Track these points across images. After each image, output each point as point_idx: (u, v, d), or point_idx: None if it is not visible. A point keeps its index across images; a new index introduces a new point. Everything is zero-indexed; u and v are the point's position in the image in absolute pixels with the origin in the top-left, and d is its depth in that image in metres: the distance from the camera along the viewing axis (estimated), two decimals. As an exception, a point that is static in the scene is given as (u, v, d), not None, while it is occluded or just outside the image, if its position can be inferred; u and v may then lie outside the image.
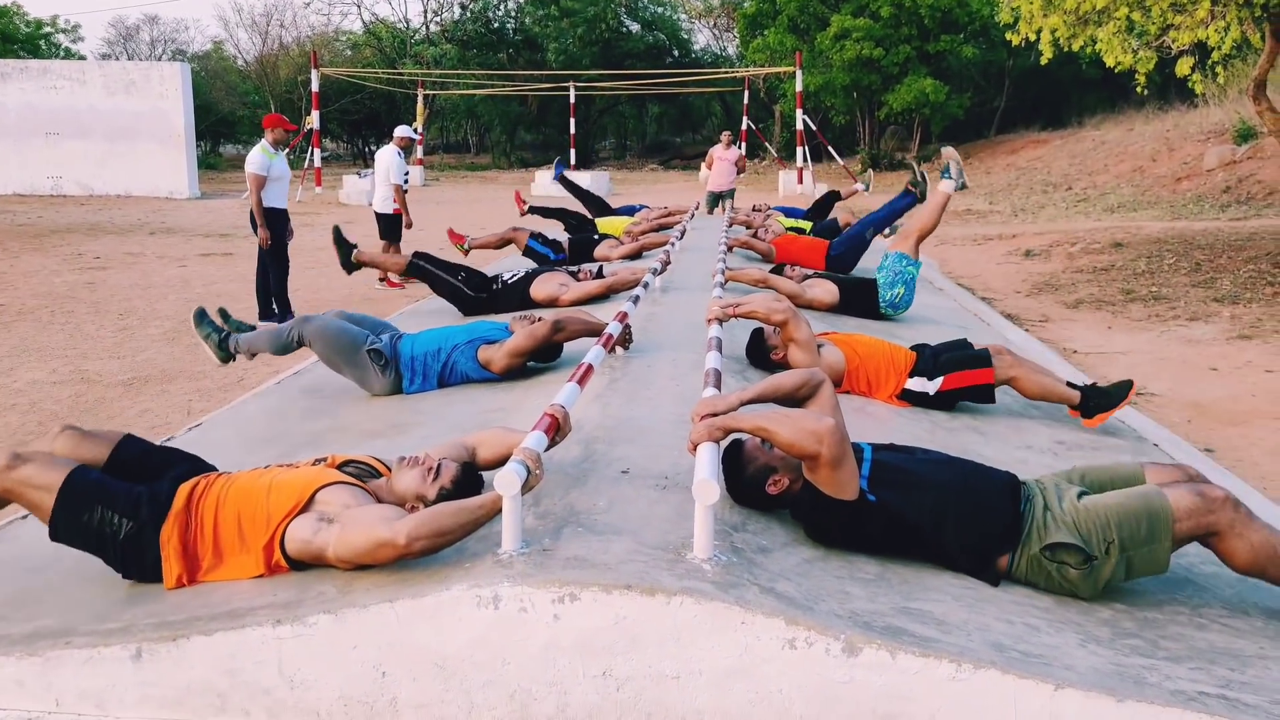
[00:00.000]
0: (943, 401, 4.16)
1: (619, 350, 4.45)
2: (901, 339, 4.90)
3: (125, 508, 2.48)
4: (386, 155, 10.28)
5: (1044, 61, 9.04)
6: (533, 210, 10.99)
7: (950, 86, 25.69)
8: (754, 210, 10.14)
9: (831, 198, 10.90)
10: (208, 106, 41.28)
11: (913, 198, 7.15)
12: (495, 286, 6.37)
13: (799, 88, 22.39)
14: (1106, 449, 4.00)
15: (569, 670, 2.13)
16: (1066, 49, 8.27)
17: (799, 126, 21.55)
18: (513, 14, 41.44)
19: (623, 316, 4.40)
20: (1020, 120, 29.34)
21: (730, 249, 8.22)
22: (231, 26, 66.91)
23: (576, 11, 37.54)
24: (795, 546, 2.51)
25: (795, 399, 2.81)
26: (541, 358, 4.40)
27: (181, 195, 21.47)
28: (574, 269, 6.77)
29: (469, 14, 40.76)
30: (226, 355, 4.57)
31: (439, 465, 2.56)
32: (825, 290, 6.15)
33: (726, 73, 29.85)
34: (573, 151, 29.82)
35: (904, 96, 24.66)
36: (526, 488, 2.32)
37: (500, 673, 2.15)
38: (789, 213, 10.80)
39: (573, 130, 29.67)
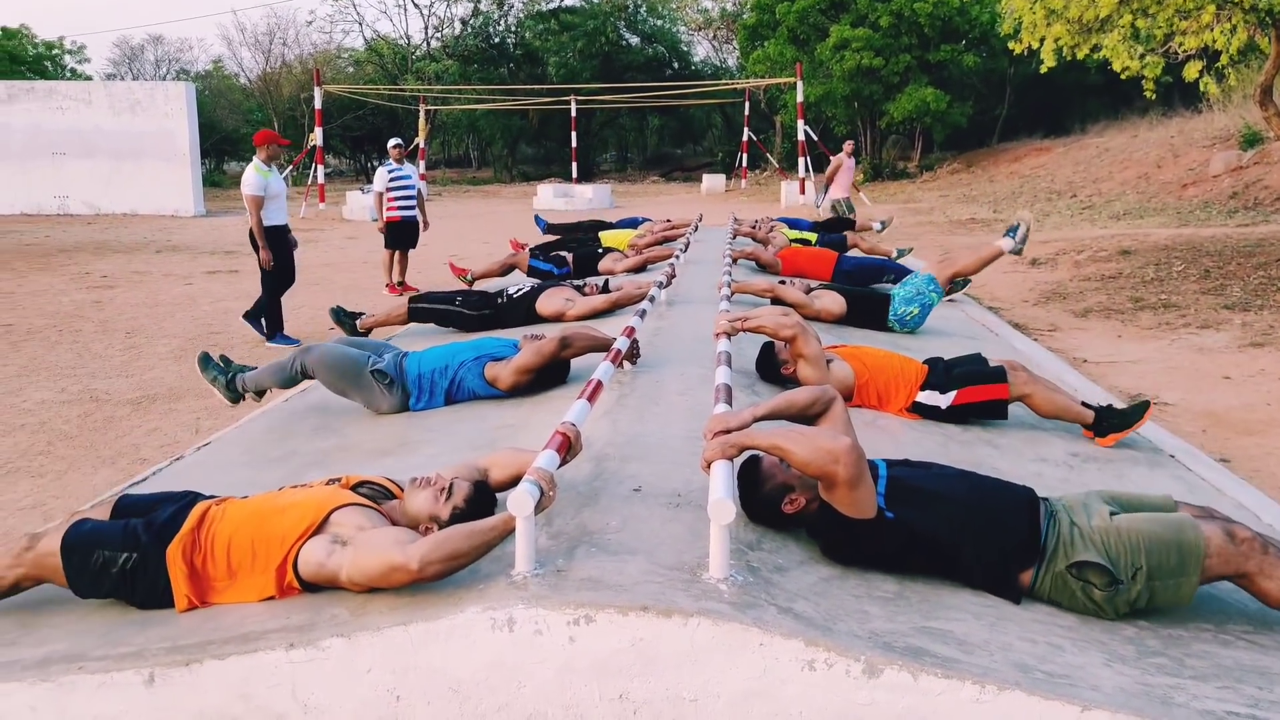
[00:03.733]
0: (954, 416, 4.13)
1: (626, 365, 4.43)
2: (911, 351, 4.87)
3: (122, 542, 2.52)
4: (380, 170, 10.47)
5: (1045, 70, 9.04)
6: (551, 229, 11.03)
7: (951, 95, 25.71)
8: (755, 224, 10.15)
9: (845, 224, 10.97)
10: (212, 125, 41.43)
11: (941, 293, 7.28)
12: (500, 301, 6.35)
13: (800, 98, 22.43)
14: (1122, 460, 3.97)
15: (585, 693, 2.10)
16: (1070, 57, 8.27)
17: (800, 137, 21.56)
18: (513, 29, 41.62)
19: (630, 331, 4.38)
20: (1023, 128, 29.37)
21: (735, 261, 8.22)
22: (235, 45, 67.26)
23: (576, 25, 37.70)
24: (812, 565, 2.48)
25: (808, 416, 2.79)
26: (549, 375, 4.37)
27: (187, 213, 21.53)
28: (579, 283, 6.75)
29: (470, 29, 40.94)
30: (235, 396, 4.66)
31: (451, 485, 2.54)
32: (833, 301, 6.13)
33: (727, 84, 29.92)
34: (574, 164, 29.88)
35: (905, 106, 24.69)
36: (539, 508, 2.29)
37: (515, 696, 2.12)
38: (792, 224, 10.80)
39: (574, 143, 29.74)
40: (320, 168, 22.36)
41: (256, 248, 7.91)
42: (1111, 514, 2.55)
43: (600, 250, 8.94)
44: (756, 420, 2.69)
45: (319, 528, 2.44)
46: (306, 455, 3.98)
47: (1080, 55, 8.09)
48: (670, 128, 45.66)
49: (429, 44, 41.67)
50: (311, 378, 4.48)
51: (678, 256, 7.83)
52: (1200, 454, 4.56)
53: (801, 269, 7.94)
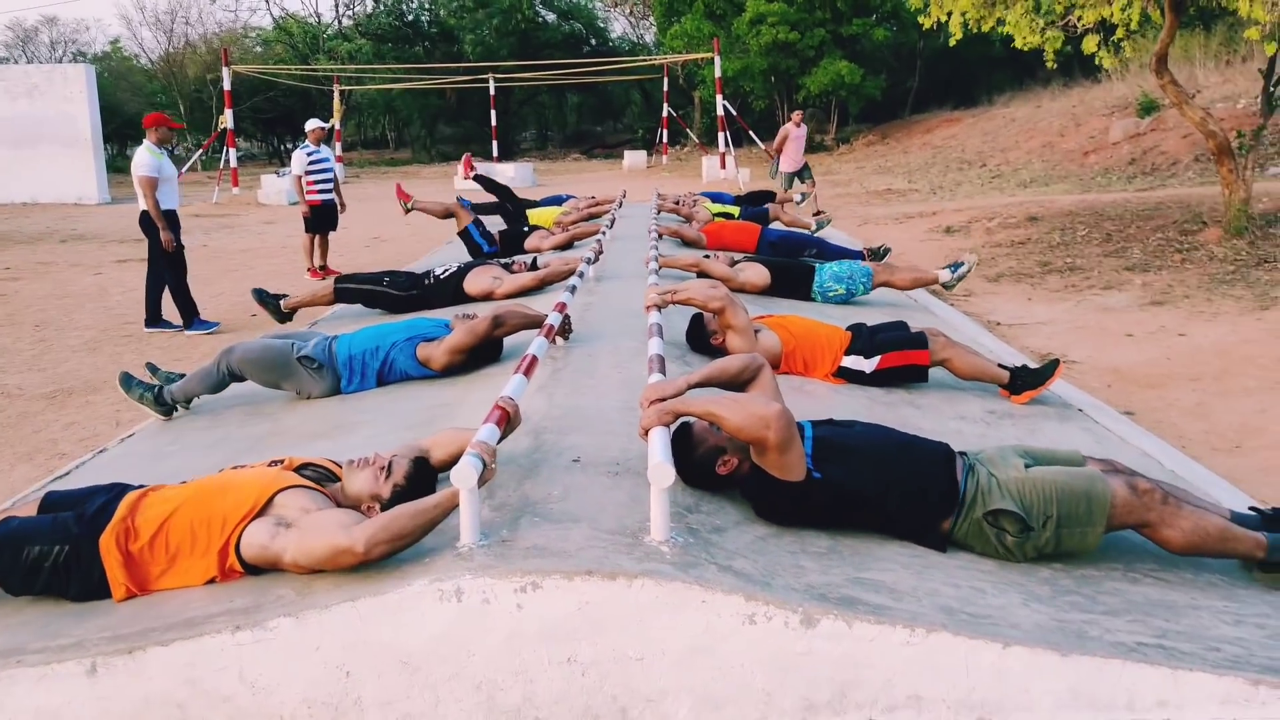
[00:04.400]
0: (878, 380, 4.27)
1: (559, 341, 4.46)
2: (835, 319, 5.01)
3: (52, 536, 2.48)
4: (297, 153, 10.26)
5: (953, 43, 9.28)
6: (478, 179, 10.83)
7: (865, 69, 26.12)
8: (678, 200, 10.23)
9: (767, 197, 11.06)
10: (113, 108, 39.66)
11: (862, 257, 7.58)
12: (427, 282, 6.31)
13: (718, 74, 22.54)
14: (1035, 416, 4.16)
15: (534, 659, 2.15)
16: (975, 30, 8.51)
17: (719, 112, 21.69)
18: (427, 6, 40.80)
19: (561, 307, 4.41)
20: (933, 100, 29.98)
21: (661, 236, 8.28)
22: (134, 25, 64.58)
23: (492, 3, 37.15)
24: (748, 525, 2.57)
25: (739, 383, 2.87)
26: (482, 354, 4.38)
27: (91, 201, 20.68)
28: (507, 261, 6.74)
29: (382, 8, 40.03)
30: (167, 409, 4.43)
31: (390, 462, 2.55)
32: (756, 273, 6.24)
33: (645, 61, 29.88)
34: (494, 143, 29.55)
35: (820, 79, 25.01)
36: (482, 480, 2.33)
37: (465, 665, 2.16)
38: (715, 198, 10.91)
39: (494, 122, 29.40)
40: (232, 151, 21.68)
41: (151, 233, 7.64)
42: (1026, 466, 2.70)
43: (526, 229, 8.91)
44: (690, 388, 2.77)
45: (262, 510, 2.43)
46: (239, 441, 3.92)
47: (985, 28, 8.34)
48: (590, 105, 45.42)
49: (340, 23, 40.66)
50: (241, 378, 4.38)
51: (604, 232, 7.86)
52: (1106, 408, 4.80)
53: (726, 243, 8.04)
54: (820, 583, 2.30)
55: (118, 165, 31.79)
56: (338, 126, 28.35)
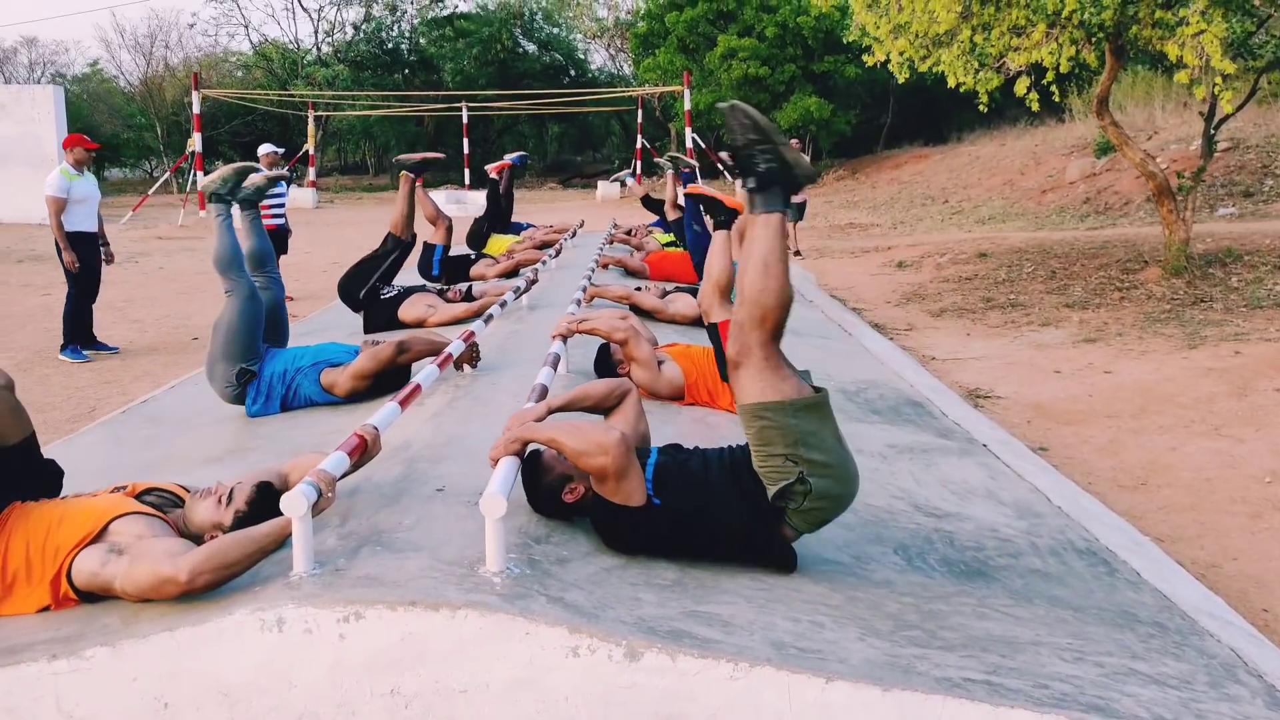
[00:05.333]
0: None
1: (467, 369, 4.47)
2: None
3: None
4: None
5: (901, 81, 9.41)
6: (494, 184, 10.55)
7: (836, 104, 26.44)
8: (631, 230, 10.27)
9: (652, 202, 10.63)
10: (90, 130, 39.54)
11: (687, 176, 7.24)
12: (378, 297, 6.28)
13: (688, 106, 22.77)
14: (934, 450, 4.19)
15: (356, 690, 2.13)
16: (916, 71, 8.64)
17: (689, 145, 21.89)
18: (407, 35, 41.06)
19: (469, 335, 4.41)
20: (905, 136, 30.35)
21: (606, 266, 8.32)
22: (114, 48, 64.36)
23: (472, 32, 37.42)
24: (597, 556, 2.57)
25: (603, 407, 2.88)
26: (388, 381, 4.35)
27: (56, 222, 20.56)
28: (442, 289, 6.74)
29: (362, 35, 40.22)
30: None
31: (231, 490, 2.53)
32: (686, 304, 6.27)
33: (620, 92, 30.14)
34: (466, 171, 29.65)
35: (790, 114, 25.29)
36: (317, 510, 2.32)
37: (287, 696, 2.13)
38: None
39: (466, 150, 29.53)
40: (200, 174, 21.66)
41: (60, 253, 7.57)
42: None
43: (473, 255, 8.92)
44: (552, 412, 2.77)
45: (97, 536, 2.41)
46: (130, 467, 3.87)
47: (922, 69, 8.48)
48: (570, 135, 45.66)
49: (319, 49, 40.79)
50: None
51: (544, 262, 7.88)
52: (1016, 443, 4.84)
53: (669, 273, 8.08)
54: (654, 615, 2.29)
55: (89, 186, 31.58)
56: (312, 152, 28.39)
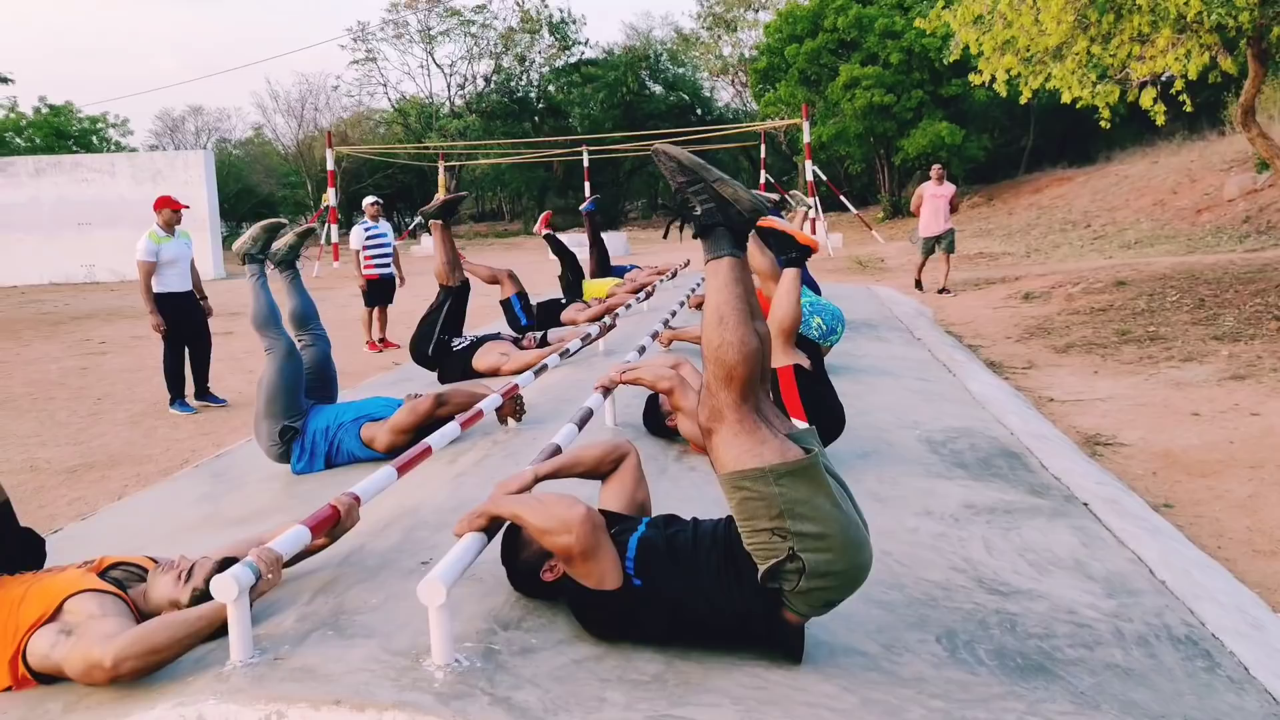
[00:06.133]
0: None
1: (510, 423, 4.28)
2: (848, 396, 4.59)
3: None
4: (355, 228, 10.58)
5: (1023, 101, 8.81)
6: (548, 238, 10.73)
7: (968, 129, 25.42)
8: None
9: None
10: (249, 189, 42.59)
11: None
12: (451, 350, 6.22)
13: (807, 139, 22.34)
14: (1022, 511, 3.69)
15: (277, 798, 1.91)
16: (1026, 88, 8.03)
17: (809, 177, 21.44)
18: (535, 83, 42.30)
19: (512, 390, 4.22)
20: (1047, 158, 28.91)
21: (698, 306, 8.04)
22: (269, 113, 68.92)
23: (598, 77, 38.21)
24: (572, 644, 2.27)
25: (598, 473, 2.61)
26: (428, 434, 4.20)
27: (207, 276, 21.65)
28: (517, 336, 6.62)
29: (492, 85, 41.69)
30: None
31: (192, 566, 2.38)
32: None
33: (742, 128, 29.94)
34: (591, 213, 30.07)
35: (919, 141, 24.46)
36: (257, 591, 2.13)
37: (206, 802, 1.94)
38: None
39: (587, 192, 29.96)
40: (334, 227, 22.72)
41: (172, 312, 7.79)
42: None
43: (564, 300, 8.81)
44: (539, 480, 2.52)
45: (51, 616, 2.30)
46: (167, 526, 3.86)
47: (1035, 85, 7.85)
48: (698, 174, 45.81)
49: (452, 102, 42.46)
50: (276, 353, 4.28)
51: (628, 305, 7.68)
52: (1129, 499, 4.25)
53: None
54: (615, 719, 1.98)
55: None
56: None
